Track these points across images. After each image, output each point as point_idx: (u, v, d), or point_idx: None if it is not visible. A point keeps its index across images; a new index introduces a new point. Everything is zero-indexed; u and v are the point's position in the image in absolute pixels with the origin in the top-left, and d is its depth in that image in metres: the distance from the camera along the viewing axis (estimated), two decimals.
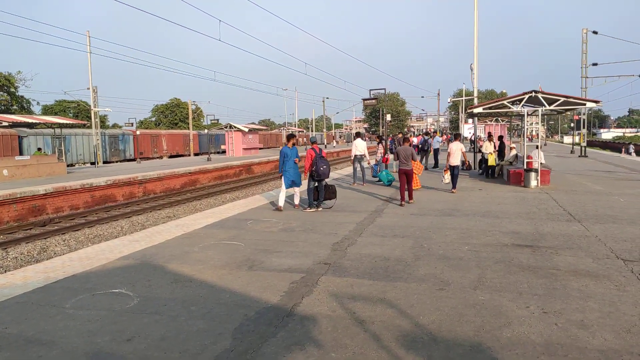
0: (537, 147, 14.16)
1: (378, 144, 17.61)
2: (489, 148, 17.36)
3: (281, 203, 10.63)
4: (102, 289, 5.34)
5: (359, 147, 15.17)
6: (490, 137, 18.44)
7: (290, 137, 10.78)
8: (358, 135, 16.28)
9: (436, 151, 23.14)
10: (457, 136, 14.26)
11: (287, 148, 10.54)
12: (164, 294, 5.13)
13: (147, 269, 6.09)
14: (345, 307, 4.60)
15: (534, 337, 3.86)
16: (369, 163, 15.90)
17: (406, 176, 11.10)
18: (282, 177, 10.63)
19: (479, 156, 21.26)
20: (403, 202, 11.02)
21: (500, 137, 21.16)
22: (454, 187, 13.17)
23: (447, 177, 13.00)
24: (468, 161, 20.59)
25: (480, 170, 18.36)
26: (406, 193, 11.28)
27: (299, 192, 11.06)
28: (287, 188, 10.61)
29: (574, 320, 4.20)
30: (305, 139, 67.72)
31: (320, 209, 10.54)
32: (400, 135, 25.03)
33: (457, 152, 13.08)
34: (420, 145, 22.02)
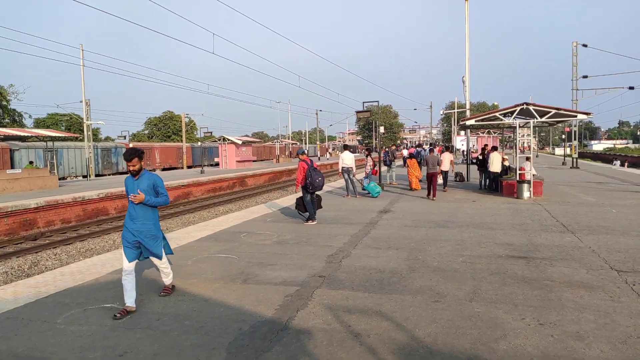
0: (526, 158, 14.27)
1: (366, 156, 17.51)
2: (496, 162, 15.45)
3: (128, 301, 5.01)
4: (94, 303, 5.27)
5: (346, 159, 15.21)
6: (494, 148, 16.37)
7: (133, 155, 5.08)
8: (346, 147, 16.32)
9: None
10: (447, 148, 19.88)
11: (130, 179, 5.26)
12: (157, 308, 5.06)
13: (140, 283, 6.01)
14: (341, 320, 4.57)
15: (530, 349, 3.85)
16: (354, 175, 15.79)
17: (432, 177, 14.46)
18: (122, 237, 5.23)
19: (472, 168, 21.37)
20: (429, 196, 14.42)
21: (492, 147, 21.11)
22: (445, 186, 16.80)
23: (440, 178, 16.39)
24: (461, 173, 20.83)
25: (486, 187, 16.60)
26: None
27: (165, 269, 5.51)
28: (129, 260, 5.11)
29: (569, 331, 4.19)
30: (292, 151, 67.71)
31: (315, 222, 10.47)
32: (393, 147, 25.13)
33: (447, 161, 17.12)
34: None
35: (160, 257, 5.37)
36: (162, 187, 5.41)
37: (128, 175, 5.33)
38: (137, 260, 5.24)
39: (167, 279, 5.65)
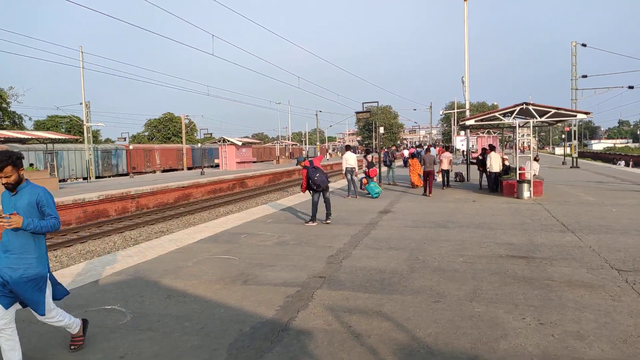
0: (535, 159, 14.37)
1: (364, 157, 17.52)
2: (495, 163, 15.55)
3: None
4: (95, 305, 5.27)
5: (350, 160, 15.32)
6: (491, 148, 16.52)
7: (5, 162, 3.53)
8: (348, 148, 16.33)
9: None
10: (447, 148, 20.89)
11: (6, 195, 3.75)
12: (158, 309, 5.06)
13: (140, 285, 6.02)
14: (341, 320, 4.57)
15: (530, 349, 3.85)
16: (356, 175, 15.85)
17: (429, 175, 15.49)
18: None
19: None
20: (427, 194, 15.30)
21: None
22: (444, 185, 17.75)
23: (440, 176, 18.25)
24: (461, 173, 20.86)
25: (487, 187, 16.67)
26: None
27: (57, 322, 3.93)
28: (5, 307, 3.65)
29: (570, 331, 4.19)
30: (292, 152, 67.60)
31: (316, 223, 10.45)
32: (393, 148, 25.16)
33: (446, 160, 17.98)
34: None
35: (42, 312, 3.74)
36: (51, 206, 3.76)
37: (3, 191, 3.74)
38: (15, 307, 3.74)
39: (71, 329, 4.06)
